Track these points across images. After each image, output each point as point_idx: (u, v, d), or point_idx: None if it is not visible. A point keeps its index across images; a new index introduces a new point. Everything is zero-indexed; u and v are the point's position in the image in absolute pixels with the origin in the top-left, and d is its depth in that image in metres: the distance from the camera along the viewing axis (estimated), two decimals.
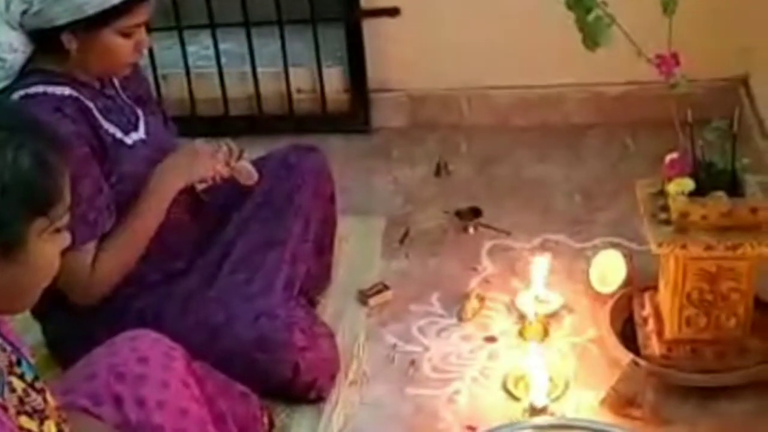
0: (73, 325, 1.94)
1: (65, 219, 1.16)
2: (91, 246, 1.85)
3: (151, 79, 2.73)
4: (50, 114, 1.76)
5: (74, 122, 1.80)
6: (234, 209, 2.16)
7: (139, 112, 2.00)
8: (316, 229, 2.18)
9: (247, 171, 2.05)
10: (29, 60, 1.83)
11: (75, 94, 1.84)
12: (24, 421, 1.12)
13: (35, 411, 1.15)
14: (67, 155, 1.15)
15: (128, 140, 1.93)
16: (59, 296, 1.83)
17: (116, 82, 1.99)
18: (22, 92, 1.79)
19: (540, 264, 2.32)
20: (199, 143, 2.01)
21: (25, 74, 1.82)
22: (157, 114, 2.10)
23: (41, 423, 1.15)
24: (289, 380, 1.96)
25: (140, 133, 1.96)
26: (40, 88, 1.80)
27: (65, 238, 1.18)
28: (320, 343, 2.02)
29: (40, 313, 1.98)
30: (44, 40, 1.82)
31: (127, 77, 1.99)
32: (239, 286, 2.02)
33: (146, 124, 2.00)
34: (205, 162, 1.97)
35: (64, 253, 1.20)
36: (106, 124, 1.89)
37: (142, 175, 1.91)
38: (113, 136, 1.89)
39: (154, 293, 1.98)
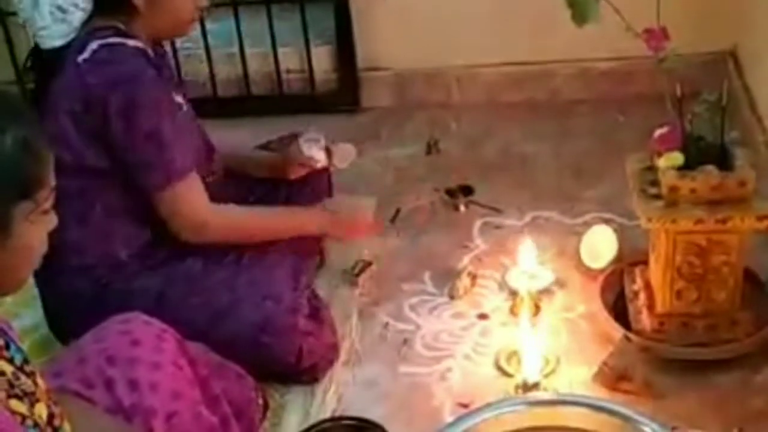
0: (77, 301, 1.93)
1: (51, 201, 1.16)
2: (197, 176, 1.89)
3: None
4: (135, 58, 1.81)
5: (156, 69, 1.85)
6: (244, 193, 2.16)
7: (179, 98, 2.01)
8: None
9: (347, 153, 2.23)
10: (86, 20, 1.85)
11: (145, 48, 1.87)
12: (14, 404, 1.12)
13: (25, 394, 1.15)
14: (45, 142, 1.15)
15: (184, 107, 1.95)
16: (62, 269, 1.82)
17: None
18: (100, 41, 1.81)
19: (527, 246, 2.31)
20: (364, 213, 2.26)
21: (91, 30, 1.83)
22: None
23: (32, 406, 1.15)
24: (292, 365, 1.94)
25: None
26: (117, 39, 1.83)
27: (52, 220, 1.18)
28: (323, 329, 2.02)
29: (43, 288, 1.98)
30: None
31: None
32: (245, 268, 2.00)
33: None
34: (349, 234, 2.18)
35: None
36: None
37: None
38: (174, 98, 1.92)
39: (159, 273, 1.95)
